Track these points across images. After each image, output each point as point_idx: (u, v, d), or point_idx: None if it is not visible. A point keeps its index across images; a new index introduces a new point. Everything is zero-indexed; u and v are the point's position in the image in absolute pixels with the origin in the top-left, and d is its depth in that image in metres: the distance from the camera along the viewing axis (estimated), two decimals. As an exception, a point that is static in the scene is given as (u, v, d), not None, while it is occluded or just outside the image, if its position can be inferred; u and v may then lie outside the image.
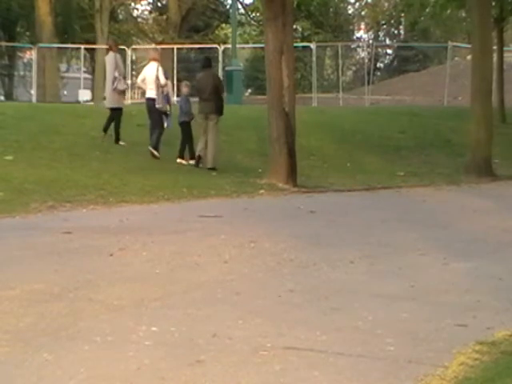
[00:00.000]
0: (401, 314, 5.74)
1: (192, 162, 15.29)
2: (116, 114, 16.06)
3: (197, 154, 15.19)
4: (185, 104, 15.86)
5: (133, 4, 47.05)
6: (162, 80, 15.43)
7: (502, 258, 8.06)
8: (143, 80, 15.77)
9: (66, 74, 44.16)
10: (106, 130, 16.25)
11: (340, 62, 37.61)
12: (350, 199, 12.91)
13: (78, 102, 32.17)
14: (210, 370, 4.47)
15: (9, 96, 41.77)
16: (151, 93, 15.47)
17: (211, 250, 7.94)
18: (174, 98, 15.67)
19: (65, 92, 41.47)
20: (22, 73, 43.68)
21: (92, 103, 33.25)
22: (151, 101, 15.47)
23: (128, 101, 32.51)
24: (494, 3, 20.39)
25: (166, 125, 15.64)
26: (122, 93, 16.23)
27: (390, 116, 23.08)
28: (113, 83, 15.95)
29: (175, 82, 32.02)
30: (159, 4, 47.44)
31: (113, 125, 16.16)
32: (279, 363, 4.60)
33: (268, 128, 14.50)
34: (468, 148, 17.26)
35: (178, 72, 32.02)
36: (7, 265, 7.14)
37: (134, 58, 34.70)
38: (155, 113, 15.47)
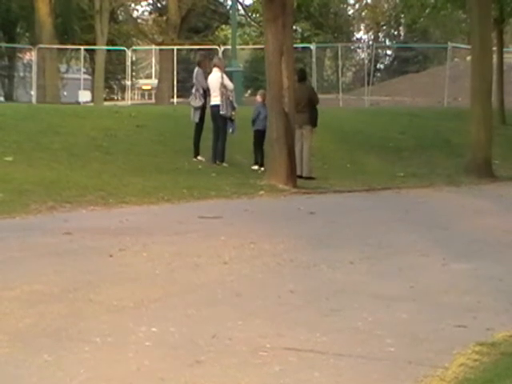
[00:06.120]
0: (401, 315, 5.74)
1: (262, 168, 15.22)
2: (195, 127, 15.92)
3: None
4: (262, 112, 15.76)
5: (133, 5, 47.08)
6: (231, 86, 15.77)
7: (502, 258, 8.05)
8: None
9: (65, 75, 44.17)
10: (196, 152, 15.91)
11: (340, 62, 37.69)
12: (349, 200, 12.90)
13: (78, 102, 32.20)
14: (209, 371, 4.47)
15: (9, 97, 41.80)
16: (215, 100, 15.60)
17: (211, 251, 7.93)
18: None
19: (65, 93, 41.49)
20: (21, 74, 43.74)
21: (92, 104, 33.26)
22: (215, 108, 15.60)
23: (128, 102, 32.54)
24: (493, 4, 20.38)
25: (230, 130, 15.80)
26: (196, 108, 15.88)
27: (390, 117, 23.09)
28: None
29: (175, 82, 32.12)
30: (159, 5, 47.46)
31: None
32: (279, 364, 4.60)
33: (268, 129, 14.52)
34: (468, 149, 17.26)
35: (177, 73, 32.06)
36: (7, 265, 7.13)
37: (134, 58, 34.70)
38: (220, 119, 15.59)
